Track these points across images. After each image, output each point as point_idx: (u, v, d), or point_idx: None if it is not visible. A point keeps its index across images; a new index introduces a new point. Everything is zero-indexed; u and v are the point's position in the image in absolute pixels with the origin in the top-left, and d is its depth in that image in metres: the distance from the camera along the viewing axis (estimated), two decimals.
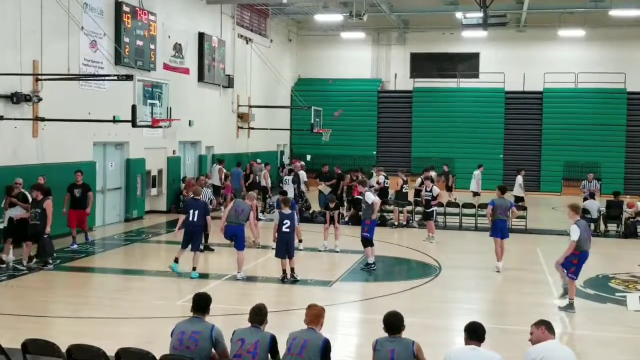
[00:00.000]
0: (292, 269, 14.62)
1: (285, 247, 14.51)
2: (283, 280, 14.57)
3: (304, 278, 14.84)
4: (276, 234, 14.66)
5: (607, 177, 34.80)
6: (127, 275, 15.62)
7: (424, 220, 21.22)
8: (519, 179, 25.90)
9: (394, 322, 6.82)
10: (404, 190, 23.24)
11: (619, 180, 35.21)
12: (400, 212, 23.42)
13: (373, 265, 16.05)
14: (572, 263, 12.68)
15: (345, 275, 15.73)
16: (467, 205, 23.88)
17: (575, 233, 12.51)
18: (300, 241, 17.88)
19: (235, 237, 14.90)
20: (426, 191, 20.85)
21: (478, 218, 22.94)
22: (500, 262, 16.37)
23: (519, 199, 24.82)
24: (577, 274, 12.76)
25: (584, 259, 12.78)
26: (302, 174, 24.60)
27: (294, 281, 14.52)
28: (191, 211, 14.89)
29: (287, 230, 14.51)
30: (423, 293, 14.16)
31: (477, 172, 27.75)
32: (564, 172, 36.89)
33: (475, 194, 27.22)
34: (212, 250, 17.77)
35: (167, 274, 15.10)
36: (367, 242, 16.10)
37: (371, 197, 16.22)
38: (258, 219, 19.65)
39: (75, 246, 17.86)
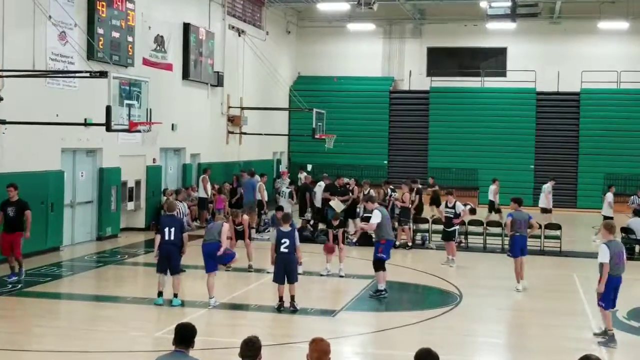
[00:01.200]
0: (292, 297, 14.61)
1: (283, 270, 14.52)
2: (279, 309, 14.56)
3: (304, 307, 14.82)
4: (274, 255, 14.71)
5: None
6: (99, 302, 15.59)
7: (443, 241, 21.14)
8: (548, 187, 26.03)
9: None
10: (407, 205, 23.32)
11: None
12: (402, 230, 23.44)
13: (384, 292, 16.04)
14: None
15: (350, 303, 15.71)
16: (492, 224, 23.90)
17: (603, 254, 12.60)
18: (299, 264, 17.88)
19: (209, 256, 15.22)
20: (447, 207, 20.72)
21: (505, 238, 22.92)
22: (521, 281, 16.89)
23: (544, 211, 24.96)
24: (608, 301, 12.79)
25: (615, 284, 12.83)
26: (321, 186, 25.11)
27: (293, 311, 14.51)
28: (166, 229, 14.89)
29: (286, 250, 14.52)
30: (440, 325, 14.14)
31: (493, 187, 27.89)
32: (604, 186, 36.84)
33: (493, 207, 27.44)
34: (184, 271, 17.74)
35: (145, 301, 15.11)
36: (381, 265, 16.10)
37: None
38: (251, 239, 19.68)
39: (14, 278, 16.70)
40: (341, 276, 18.17)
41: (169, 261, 14.92)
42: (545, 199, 27.86)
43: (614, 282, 12.80)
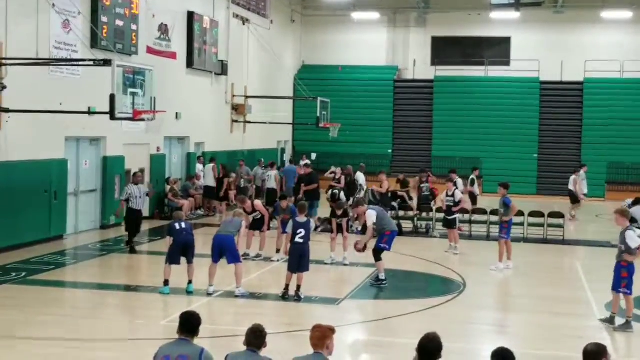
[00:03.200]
0: (298, 287, 14.58)
1: (298, 260, 14.52)
2: (284, 296, 14.54)
3: (308, 295, 14.80)
4: (288, 245, 14.83)
5: None
6: (103, 291, 15.55)
7: (445, 228, 21.22)
8: (582, 174, 26.56)
9: (428, 348, 6.70)
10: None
11: None
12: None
13: (385, 282, 16.04)
14: (622, 276, 12.81)
15: (355, 292, 15.69)
16: (495, 212, 23.80)
17: (635, 241, 12.64)
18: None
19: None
20: (448, 196, 20.82)
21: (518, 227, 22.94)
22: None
23: (574, 199, 26.30)
24: (631, 287, 12.86)
25: (634, 270, 12.93)
26: (361, 176, 25.41)
27: (297, 300, 14.49)
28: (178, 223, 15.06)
29: (301, 240, 14.52)
30: (444, 313, 14.12)
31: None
32: (607, 175, 36.79)
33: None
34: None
35: (149, 289, 15.09)
36: (379, 254, 16.10)
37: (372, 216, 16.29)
38: (269, 228, 19.55)
39: None
40: (345, 265, 18.15)
41: (187, 250, 14.87)
42: (579, 186, 27.90)
43: (633, 268, 12.95)
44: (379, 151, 38.95)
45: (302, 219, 14.72)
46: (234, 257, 14.74)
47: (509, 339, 12.25)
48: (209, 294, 14.62)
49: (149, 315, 13.45)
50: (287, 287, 14.63)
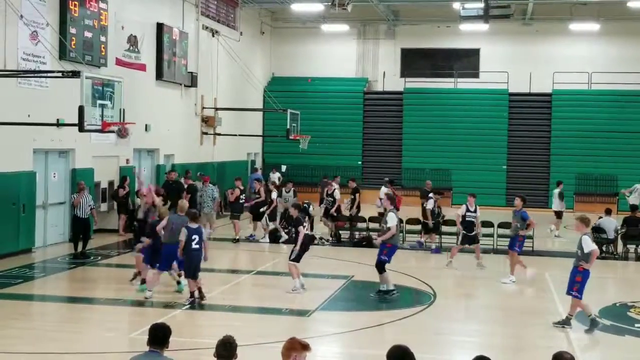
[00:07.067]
0: (200, 289, 15.13)
1: (198, 265, 14.97)
2: (192, 304, 14.85)
3: (278, 307, 14.82)
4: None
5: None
6: (72, 304, 15.49)
7: (467, 245, 20.51)
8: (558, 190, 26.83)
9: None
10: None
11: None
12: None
13: (394, 291, 16.14)
14: (576, 280, 13.43)
15: (325, 303, 15.69)
16: (485, 224, 23.81)
17: (589, 245, 13.26)
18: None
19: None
20: (469, 211, 20.15)
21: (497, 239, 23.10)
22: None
23: (558, 215, 26.70)
24: (582, 292, 13.46)
25: (588, 277, 13.53)
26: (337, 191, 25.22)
27: (195, 301, 14.85)
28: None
29: (198, 246, 14.88)
30: (414, 324, 14.19)
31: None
32: (576, 186, 37.15)
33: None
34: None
35: (119, 302, 15.04)
36: (382, 267, 16.13)
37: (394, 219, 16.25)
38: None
39: None
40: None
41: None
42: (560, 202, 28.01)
43: (588, 274, 13.54)
44: (349, 163, 39.01)
45: (194, 225, 14.93)
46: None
47: (479, 350, 12.31)
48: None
49: (119, 327, 13.39)
50: (192, 294, 14.92)
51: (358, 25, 40.59)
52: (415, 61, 41.12)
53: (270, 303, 15.10)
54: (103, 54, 23.54)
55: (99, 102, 17.32)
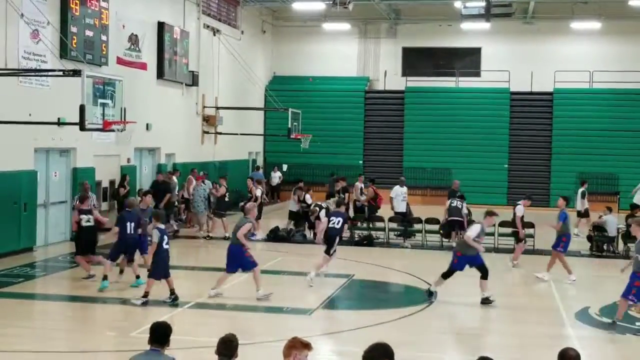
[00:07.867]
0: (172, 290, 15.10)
1: (167, 265, 15.06)
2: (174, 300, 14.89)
3: (279, 305, 14.82)
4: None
5: (626, 189, 35.04)
6: (73, 303, 15.51)
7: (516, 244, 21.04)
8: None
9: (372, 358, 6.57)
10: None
11: None
12: None
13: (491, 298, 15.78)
14: (635, 285, 13.18)
15: (327, 302, 15.69)
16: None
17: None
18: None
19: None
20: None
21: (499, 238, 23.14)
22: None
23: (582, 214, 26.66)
24: (639, 297, 13.30)
25: None
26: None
27: (174, 300, 14.89)
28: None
29: (167, 246, 15.00)
30: (415, 323, 14.19)
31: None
32: (577, 185, 37.02)
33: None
34: None
35: (120, 301, 15.03)
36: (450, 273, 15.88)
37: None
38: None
39: None
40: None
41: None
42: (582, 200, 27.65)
43: None
44: (350, 162, 38.95)
45: (160, 225, 15.04)
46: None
47: (481, 348, 12.33)
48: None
49: (120, 326, 13.38)
50: (172, 291, 14.95)
51: (359, 24, 40.54)
52: (416, 60, 41.09)
53: (271, 302, 15.07)
54: (104, 52, 23.53)
55: (100, 101, 17.35)
